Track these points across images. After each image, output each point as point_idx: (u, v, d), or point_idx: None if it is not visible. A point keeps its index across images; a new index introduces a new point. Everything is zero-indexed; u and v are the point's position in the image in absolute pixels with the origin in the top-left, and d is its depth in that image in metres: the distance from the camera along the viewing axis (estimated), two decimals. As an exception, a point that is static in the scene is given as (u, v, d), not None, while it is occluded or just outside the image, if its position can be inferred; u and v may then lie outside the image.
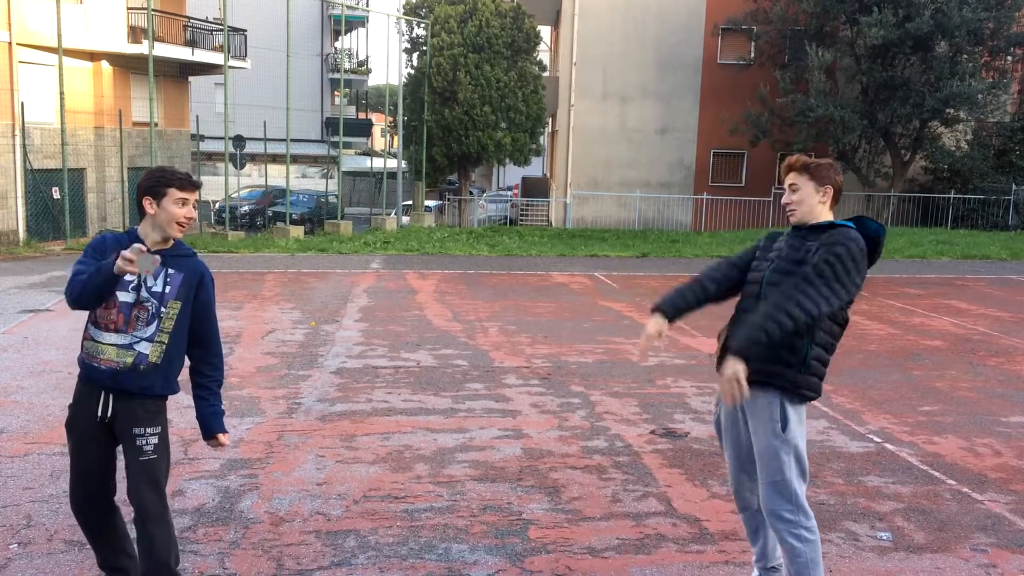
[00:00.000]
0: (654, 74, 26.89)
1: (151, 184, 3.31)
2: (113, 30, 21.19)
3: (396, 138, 28.32)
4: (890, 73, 23.31)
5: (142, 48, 20.41)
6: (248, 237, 19.84)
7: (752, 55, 26.29)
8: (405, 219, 26.15)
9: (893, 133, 24.57)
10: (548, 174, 36.87)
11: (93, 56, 21.36)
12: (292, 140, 22.19)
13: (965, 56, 22.92)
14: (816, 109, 22.88)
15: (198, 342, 3.45)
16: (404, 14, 27.50)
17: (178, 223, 3.29)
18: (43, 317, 9.87)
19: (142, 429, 3.28)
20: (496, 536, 4.36)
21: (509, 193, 38.54)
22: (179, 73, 25.03)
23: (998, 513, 4.84)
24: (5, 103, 18.21)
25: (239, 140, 27.08)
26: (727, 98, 25.88)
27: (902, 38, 22.21)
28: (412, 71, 27.40)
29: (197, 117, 25.94)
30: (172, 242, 3.37)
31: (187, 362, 3.46)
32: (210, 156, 33.44)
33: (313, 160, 41.48)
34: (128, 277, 3.19)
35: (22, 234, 18.45)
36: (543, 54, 30.27)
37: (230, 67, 21.21)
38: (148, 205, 3.29)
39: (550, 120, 31.58)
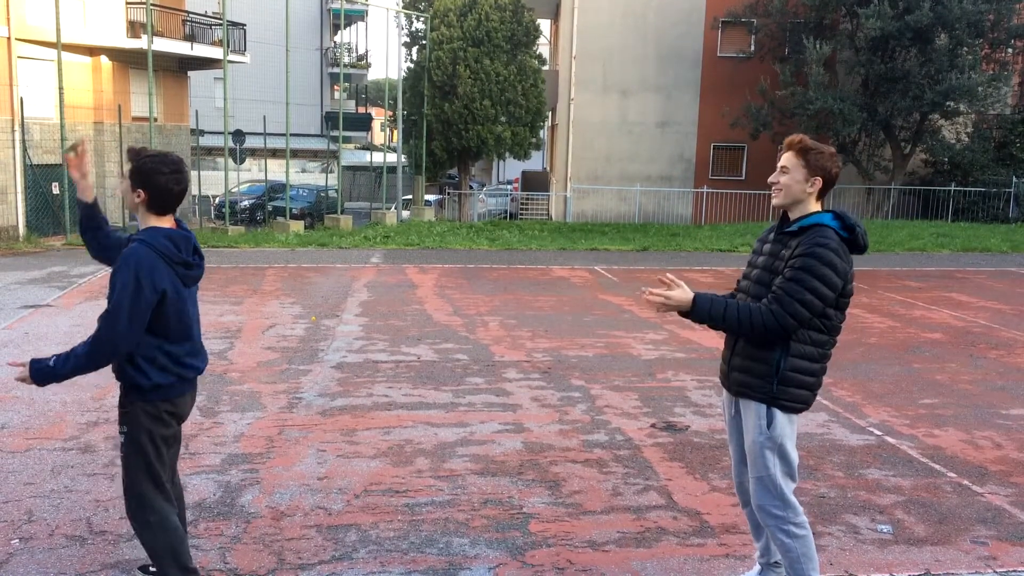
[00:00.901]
0: (654, 67, 26.84)
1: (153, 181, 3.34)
2: (112, 25, 21.15)
3: (396, 132, 28.27)
4: (890, 65, 23.26)
5: (141, 43, 20.38)
6: (248, 232, 19.82)
7: (752, 48, 26.24)
8: (405, 213, 26.13)
9: (893, 126, 24.53)
10: (548, 168, 36.83)
11: (92, 51, 21.32)
12: (292, 135, 22.16)
13: (965, 48, 22.85)
14: (815, 102, 22.84)
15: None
16: (403, 8, 27.47)
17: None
18: (43, 313, 9.87)
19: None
20: (497, 530, 4.37)
21: (509, 187, 38.53)
22: (178, 68, 24.99)
23: (998, 506, 4.85)
24: (4, 98, 18.19)
25: (239, 135, 27.06)
26: (727, 91, 25.84)
27: (901, 30, 22.16)
28: (412, 65, 27.36)
29: (196, 112, 25.93)
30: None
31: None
32: (210, 151, 33.39)
33: (313, 155, 41.42)
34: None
35: (22, 229, 18.44)
36: (543, 48, 30.22)
37: (229, 62, 21.16)
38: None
39: (550, 114, 31.54)
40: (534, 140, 26.75)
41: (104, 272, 11.76)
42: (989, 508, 4.81)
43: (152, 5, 19.37)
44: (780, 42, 25.27)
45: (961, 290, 13.12)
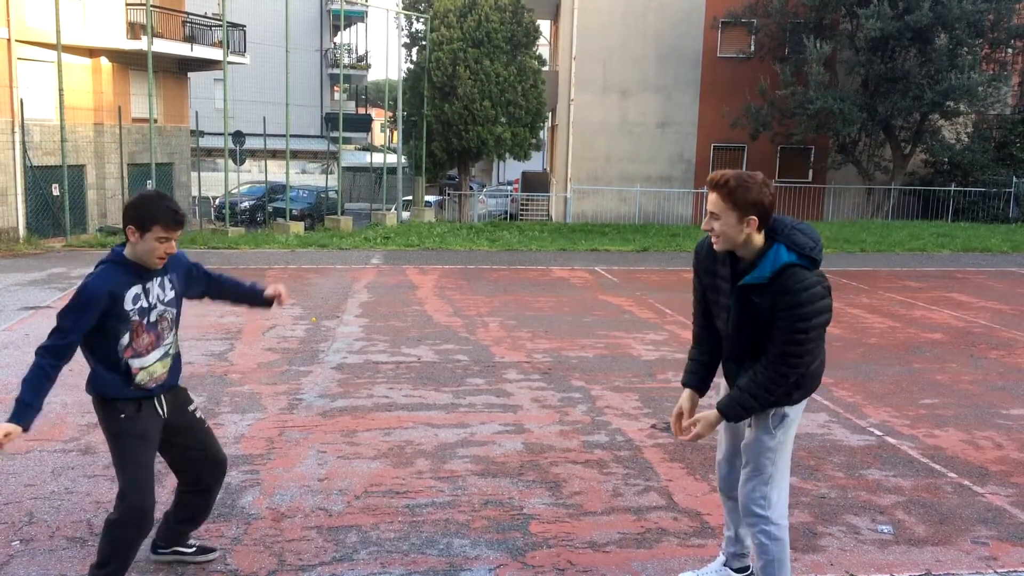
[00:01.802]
0: (654, 68, 26.84)
1: (137, 216, 3.36)
2: (112, 26, 21.18)
3: (396, 133, 28.29)
4: (890, 66, 23.26)
5: (141, 44, 20.40)
6: (248, 233, 19.83)
7: (752, 48, 26.25)
8: (405, 214, 26.14)
9: (893, 126, 24.53)
10: (548, 169, 36.84)
11: (92, 52, 21.34)
12: (292, 136, 22.17)
13: (965, 49, 22.86)
14: (815, 102, 22.84)
15: (218, 288, 3.93)
16: (403, 9, 27.49)
17: (158, 257, 3.42)
18: (44, 314, 9.87)
19: (192, 404, 3.74)
20: (497, 531, 4.37)
21: (509, 188, 38.54)
22: (178, 69, 25.02)
23: (999, 506, 4.84)
24: (4, 100, 18.21)
25: (239, 136, 27.08)
26: (727, 91, 25.84)
27: (901, 30, 22.17)
28: (411, 66, 27.38)
29: (196, 113, 25.95)
30: None
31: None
32: (210, 152, 33.42)
33: (313, 156, 41.45)
34: (136, 304, 3.40)
35: (22, 231, 18.45)
36: (543, 48, 30.25)
37: (229, 63, 21.18)
38: (131, 234, 3.39)
39: (550, 114, 31.55)
40: (534, 141, 26.77)
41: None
42: (990, 508, 4.81)
43: (152, 6, 19.39)
44: (780, 42, 25.28)
45: (961, 290, 13.12)
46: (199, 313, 9.94)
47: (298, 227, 20.57)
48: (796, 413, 3.36)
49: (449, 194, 30.48)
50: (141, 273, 3.43)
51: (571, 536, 4.33)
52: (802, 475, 5.17)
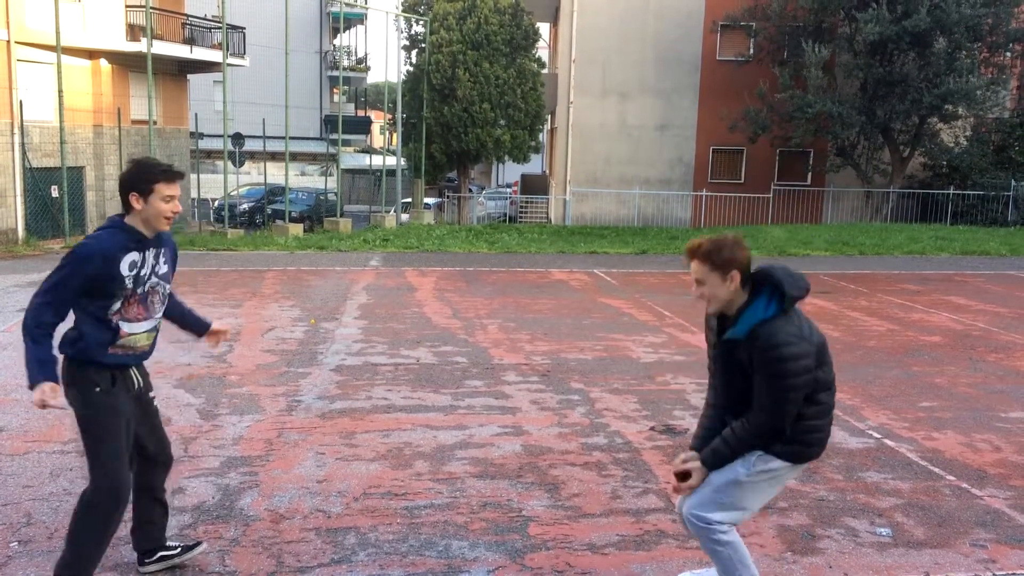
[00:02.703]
0: (653, 71, 26.87)
1: (136, 180, 3.37)
2: (111, 28, 21.18)
3: (395, 135, 28.30)
4: (888, 69, 23.30)
5: (141, 46, 20.40)
6: (247, 235, 19.83)
7: (751, 52, 26.28)
8: (404, 216, 26.14)
9: (892, 129, 24.56)
10: (547, 171, 36.87)
11: (92, 54, 21.34)
12: (291, 138, 22.18)
13: (963, 52, 22.90)
14: (814, 105, 22.88)
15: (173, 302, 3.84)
16: (403, 11, 27.48)
17: (165, 217, 3.43)
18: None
19: (153, 391, 3.73)
20: (496, 533, 4.37)
21: (508, 190, 38.55)
22: (178, 71, 25.02)
23: (997, 509, 4.85)
24: (4, 101, 18.21)
25: (238, 138, 27.07)
26: (726, 95, 25.87)
27: (900, 34, 22.20)
28: (411, 68, 27.40)
29: (196, 115, 25.93)
30: None
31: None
32: (209, 154, 33.41)
33: (312, 158, 41.46)
34: (132, 271, 3.38)
35: (21, 232, 18.45)
36: (542, 51, 30.26)
37: (229, 65, 21.19)
38: (135, 201, 3.38)
39: (549, 117, 31.57)
40: (533, 143, 26.79)
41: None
42: (988, 511, 4.81)
43: (151, 8, 19.40)
44: (779, 46, 25.33)
45: (960, 293, 13.13)
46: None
47: (297, 229, 20.58)
48: (783, 470, 3.30)
49: (448, 196, 30.51)
50: (140, 240, 3.42)
51: (570, 538, 4.33)
52: (801, 478, 5.17)
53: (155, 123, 20.43)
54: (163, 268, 3.54)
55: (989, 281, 14.63)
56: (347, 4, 33.85)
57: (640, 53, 26.75)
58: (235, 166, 27.73)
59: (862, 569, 4.08)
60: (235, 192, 29.19)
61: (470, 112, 25.03)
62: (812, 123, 23.54)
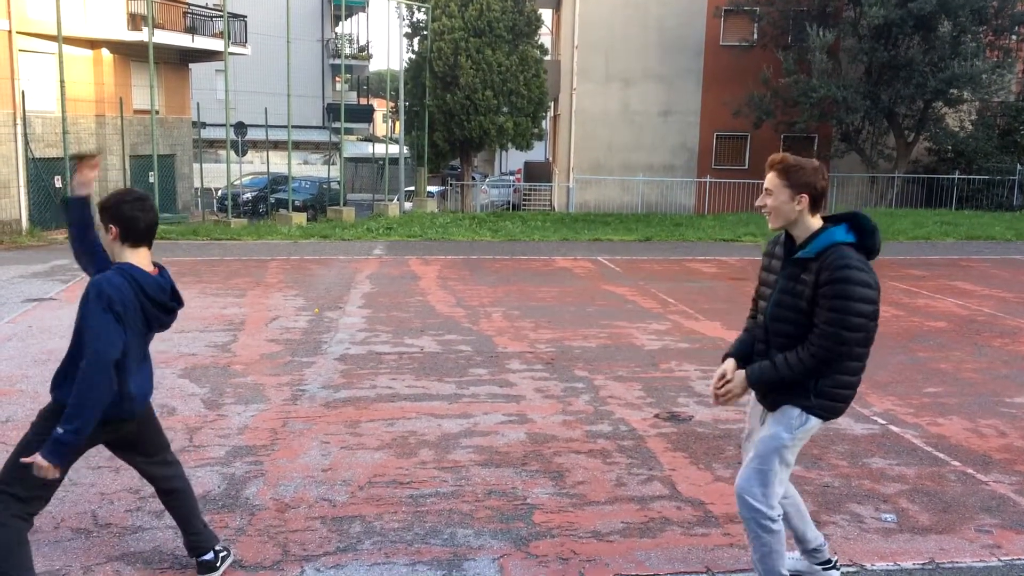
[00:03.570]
0: (656, 56, 26.74)
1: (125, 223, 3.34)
2: (113, 17, 21.12)
3: (398, 123, 28.24)
4: (893, 53, 23.15)
5: (142, 35, 20.35)
6: (250, 224, 19.82)
7: (755, 36, 26.13)
8: (407, 205, 26.11)
9: (896, 114, 24.43)
10: (551, 158, 36.77)
11: (93, 44, 21.30)
12: (293, 127, 22.13)
13: (968, 36, 22.74)
14: (819, 90, 22.75)
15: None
16: (404, -2, 27.35)
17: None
18: (47, 306, 9.89)
19: None
20: (501, 521, 4.38)
21: (512, 178, 38.49)
22: (179, 60, 24.97)
23: (1003, 494, 4.84)
24: (6, 92, 18.19)
25: (240, 127, 27.03)
26: (730, 80, 25.74)
27: (904, 18, 22.05)
28: (413, 56, 27.30)
29: (198, 104, 25.90)
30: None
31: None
32: (211, 143, 33.39)
33: (315, 146, 41.41)
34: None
35: (25, 223, 18.45)
36: (544, 38, 30.15)
37: (230, 54, 21.13)
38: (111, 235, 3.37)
39: (552, 104, 31.46)
40: (536, 130, 26.72)
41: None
42: (993, 496, 4.80)
43: (153, -3, 19.33)
44: (783, 30, 25.16)
45: (965, 278, 13.09)
46: (203, 305, 9.96)
47: (300, 218, 20.56)
48: (815, 428, 3.36)
49: (451, 184, 30.44)
50: None
51: (575, 526, 4.33)
52: (806, 464, 5.17)
53: (157, 113, 20.39)
54: None
55: (994, 266, 14.58)
56: (348, -8, 33.70)
57: (643, 39, 26.61)
58: (238, 155, 27.72)
59: (867, 555, 4.09)
60: (238, 181, 29.16)
61: (472, 99, 24.95)
62: (816, 108, 23.41)
